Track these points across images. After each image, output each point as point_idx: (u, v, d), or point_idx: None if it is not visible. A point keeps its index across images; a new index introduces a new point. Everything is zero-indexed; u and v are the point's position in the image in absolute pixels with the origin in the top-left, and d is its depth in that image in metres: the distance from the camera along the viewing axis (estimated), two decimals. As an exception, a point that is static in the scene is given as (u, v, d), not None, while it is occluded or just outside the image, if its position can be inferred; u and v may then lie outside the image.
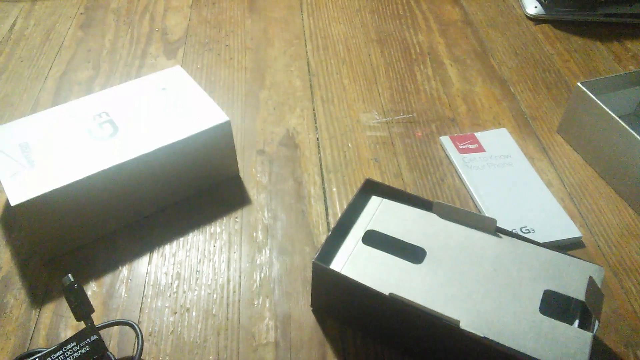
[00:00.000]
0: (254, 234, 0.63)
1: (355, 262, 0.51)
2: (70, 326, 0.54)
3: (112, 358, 0.49)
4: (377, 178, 0.69)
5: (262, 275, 0.59)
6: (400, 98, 0.81)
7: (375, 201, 0.56)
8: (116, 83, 0.83)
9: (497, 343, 0.44)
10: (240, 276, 0.59)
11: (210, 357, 0.52)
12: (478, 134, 0.74)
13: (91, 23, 0.95)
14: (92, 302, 0.55)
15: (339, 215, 0.63)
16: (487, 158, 0.71)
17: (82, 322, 0.50)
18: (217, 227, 0.63)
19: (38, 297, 0.57)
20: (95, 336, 0.48)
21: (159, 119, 0.63)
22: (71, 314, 0.55)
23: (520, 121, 0.78)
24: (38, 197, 0.54)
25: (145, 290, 0.57)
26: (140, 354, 0.50)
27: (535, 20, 0.98)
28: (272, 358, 0.52)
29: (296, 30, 0.94)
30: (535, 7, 0.99)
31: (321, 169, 0.70)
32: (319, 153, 0.72)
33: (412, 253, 0.52)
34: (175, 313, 0.55)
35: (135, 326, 0.51)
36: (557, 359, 0.43)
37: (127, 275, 0.59)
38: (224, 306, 0.56)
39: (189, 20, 0.96)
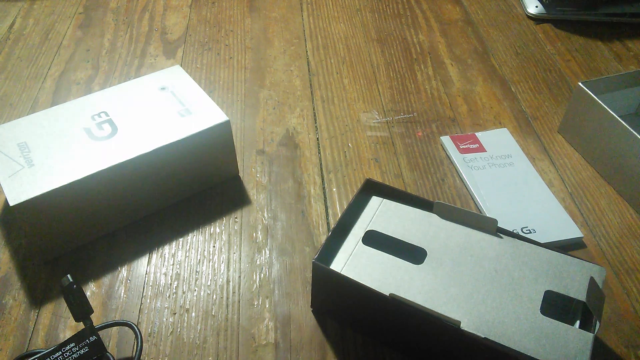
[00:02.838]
0: (254, 234, 0.63)
1: (355, 262, 0.50)
2: (69, 327, 0.54)
3: (112, 359, 0.49)
4: (378, 178, 0.69)
5: (262, 275, 0.59)
6: (401, 98, 0.81)
7: (375, 201, 0.56)
8: (115, 83, 0.82)
9: (498, 344, 0.44)
10: (239, 277, 0.58)
11: (210, 358, 0.52)
12: (479, 134, 0.74)
13: (90, 22, 0.95)
14: (91, 303, 0.55)
15: (339, 215, 0.63)
16: (488, 158, 0.70)
17: (81, 322, 0.50)
18: (217, 228, 0.63)
19: (37, 297, 0.56)
20: (95, 337, 0.48)
21: (158, 118, 0.62)
22: (70, 315, 0.55)
23: (521, 121, 0.78)
24: (37, 197, 0.54)
25: (145, 291, 0.57)
26: (140, 354, 0.50)
27: (536, 19, 0.98)
28: (271, 359, 0.52)
29: (296, 30, 0.94)
30: (536, 7, 0.98)
31: (321, 169, 0.70)
32: (319, 153, 0.72)
33: (413, 253, 0.52)
34: (175, 314, 0.55)
35: (135, 327, 0.51)
36: (558, 359, 0.43)
37: (127, 276, 0.58)
38: (224, 307, 0.56)
39: (188, 19, 0.96)
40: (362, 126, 0.76)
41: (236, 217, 0.64)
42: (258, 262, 0.60)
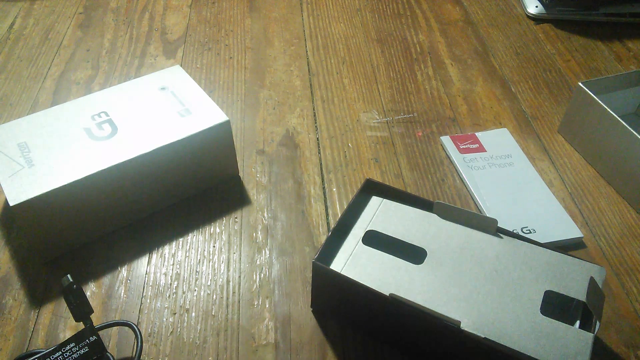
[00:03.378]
0: (254, 234, 0.63)
1: (355, 262, 0.50)
2: (69, 327, 0.54)
3: (112, 359, 0.49)
4: (378, 178, 0.69)
5: (262, 275, 0.59)
6: (401, 98, 0.81)
7: (375, 201, 0.56)
8: (115, 83, 0.82)
9: (498, 344, 0.44)
10: (240, 277, 0.58)
11: (210, 358, 0.52)
12: (479, 134, 0.74)
13: (90, 22, 0.95)
14: (91, 303, 0.55)
15: (339, 215, 0.63)
16: (488, 158, 0.70)
17: (81, 322, 0.50)
18: (217, 228, 0.63)
19: (37, 297, 0.56)
20: (94, 337, 0.48)
21: (158, 118, 0.62)
22: (70, 315, 0.55)
23: (521, 121, 0.78)
24: (37, 197, 0.54)
25: (145, 291, 0.57)
26: (140, 354, 0.50)
27: (536, 19, 0.98)
28: (271, 359, 0.52)
29: (296, 30, 0.94)
30: (536, 7, 0.98)
31: (321, 169, 0.70)
32: (319, 153, 0.72)
33: (413, 253, 0.52)
34: (175, 314, 0.55)
35: (135, 327, 0.51)
36: (558, 359, 0.43)
37: (127, 276, 0.58)
38: (224, 307, 0.56)
39: (188, 19, 0.96)
40: (362, 126, 0.76)
41: (236, 217, 0.64)
42: (258, 262, 0.60)
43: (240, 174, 0.69)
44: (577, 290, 0.48)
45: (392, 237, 0.53)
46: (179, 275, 0.59)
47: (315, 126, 0.76)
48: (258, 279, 0.58)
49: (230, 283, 0.58)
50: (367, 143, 0.74)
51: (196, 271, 0.59)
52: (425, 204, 0.55)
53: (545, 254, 0.51)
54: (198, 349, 0.52)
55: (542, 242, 0.57)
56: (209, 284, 0.58)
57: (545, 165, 0.71)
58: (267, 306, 0.56)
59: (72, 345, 0.48)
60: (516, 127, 0.77)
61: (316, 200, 0.66)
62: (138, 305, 0.56)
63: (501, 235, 0.52)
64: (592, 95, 0.68)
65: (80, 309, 0.49)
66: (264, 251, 0.61)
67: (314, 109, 0.79)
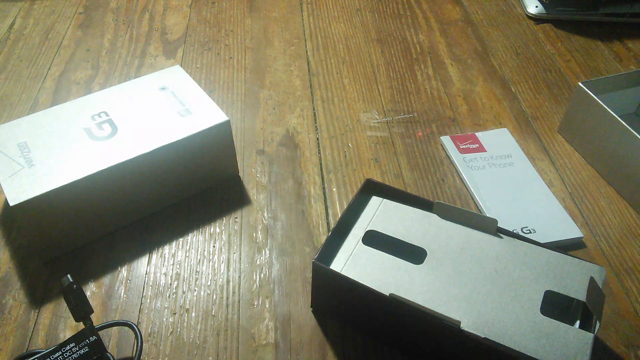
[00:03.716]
0: (254, 234, 0.63)
1: (355, 262, 0.50)
2: (69, 327, 0.54)
3: (112, 359, 0.49)
4: (378, 178, 0.69)
5: (262, 275, 0.59)
6: (401, 98, 0.81)
7: (375, 201, 0.56)
8: (115, 83, 0.82)
9: (498, 344, 0.44)
10: (240, 277, 0.58)
11: (210, 358, 0.52)
12: (479, 134, 0.74)
13: (90, 22, 0.95)
14: (91, 303, 0.55)
15: (339, 215, 0.63)
16: (488, 158, 0.70)
17: (81, 322, 0.50)
18: (217, 228, 0.63)
19: (37, 297, 0.56)
20: (95, 337, 0.48)
21: (158, 118, 0.62)
22: (70, 315, 0.55)
23: (521, 121, 0.78)
24: (37, 197, 0.54)
25: (145, 291, 0.57)
26: (140, 354, 0.50)
27: (536, 19, 0.98)
28: (271, 359, 0.52)
29: (296, 30, 0.94)
30: (536, 7, 0.98)
31: (321, 169, 0.70)
32: (319, 153, 0.72)
33: (413, 253, 0.52)
34: (175, 314, 0.55)
35: (135, 327, 0.51)
36: (558, 359, 0.43)
37: (127, 276, 0.58)
38: (224, 307, 0.56)
39: (188, 19, 0.96)
40: (362, 126, 0.76)
41: (236, 217, 0.64)
42: (258, 262, 0.60)
43: (240, 174, 0.69)
44: (577, 290, 0.48)
45: (392, 237, 0.53)
46: (179, 275, 0.59)
47: (315, 126, 0.76)
48: (258, 279, 0.58)
49: (230, 283, 0.58)
50: (367, 143, 0.74)
51: (196, 271, 0.59)
52: (425, 204, 0.55)
53: (545, 254, 0.51)
54: (198, 349, 0.52)
55: (542, 242, 0.57)
56: (209, 284, 0.58)
57: (545, 165, 0.71)
58: (267, 306, 0.56)
59: (72, 345, 0.48)
60: (516, 127, 0.77)
61: (316, 200, 0.66)
62: (138, 305, 0.56)
63: (501, 235, 0.52)
64: (592, 95, 0.68)
65: (80, 309, 0.49)
66: (264, 251, 0.61)
67: (314, 109, 0.79)
